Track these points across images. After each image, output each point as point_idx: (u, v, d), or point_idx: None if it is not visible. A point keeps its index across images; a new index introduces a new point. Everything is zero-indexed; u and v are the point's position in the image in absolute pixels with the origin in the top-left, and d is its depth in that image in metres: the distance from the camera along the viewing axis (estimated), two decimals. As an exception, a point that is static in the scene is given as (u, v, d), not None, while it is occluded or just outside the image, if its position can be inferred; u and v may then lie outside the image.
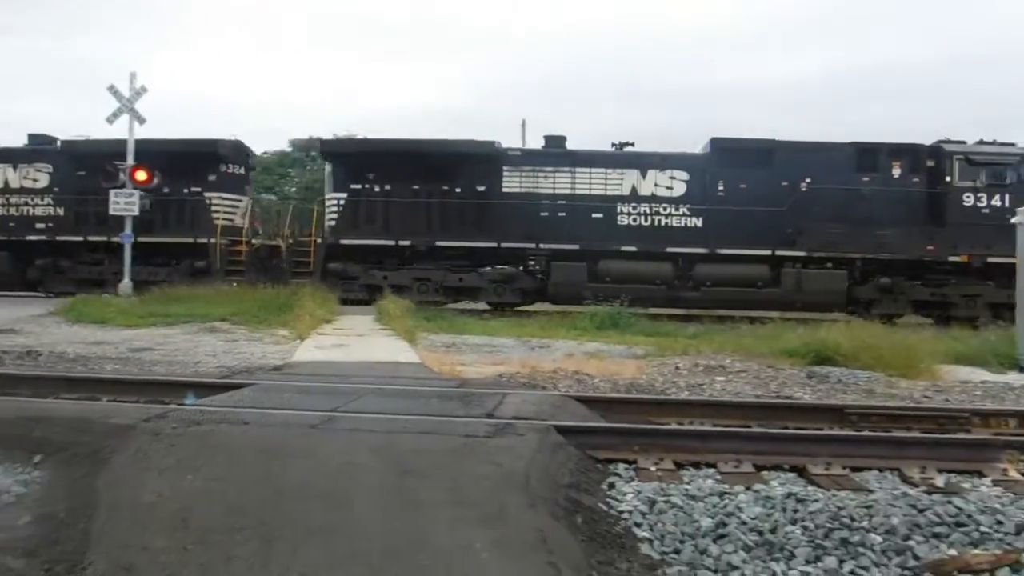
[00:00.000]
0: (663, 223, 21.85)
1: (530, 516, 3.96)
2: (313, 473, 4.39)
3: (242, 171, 25.02)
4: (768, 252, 21.27)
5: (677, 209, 21.82)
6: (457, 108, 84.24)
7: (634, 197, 21.97)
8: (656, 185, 21.95)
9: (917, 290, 21.43)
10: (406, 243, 22.09)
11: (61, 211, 23.80)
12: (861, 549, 4.01)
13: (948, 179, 21.23)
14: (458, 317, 18.83)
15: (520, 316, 20.38)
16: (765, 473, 5.17)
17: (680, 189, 21.80)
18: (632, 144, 22.95)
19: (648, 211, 21.94)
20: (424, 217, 22.29)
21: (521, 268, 22.25)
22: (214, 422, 5.28)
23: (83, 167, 23.43)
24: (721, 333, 15.52)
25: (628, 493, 4.63)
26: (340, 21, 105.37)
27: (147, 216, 22.61)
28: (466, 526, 3.83)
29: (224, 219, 23.67)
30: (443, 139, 22.98)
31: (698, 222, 21.72)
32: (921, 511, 4.34)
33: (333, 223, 22.76)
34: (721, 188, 21.59)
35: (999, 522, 4.28)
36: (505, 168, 22.26)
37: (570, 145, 22.74)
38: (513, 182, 22.28)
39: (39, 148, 24.38)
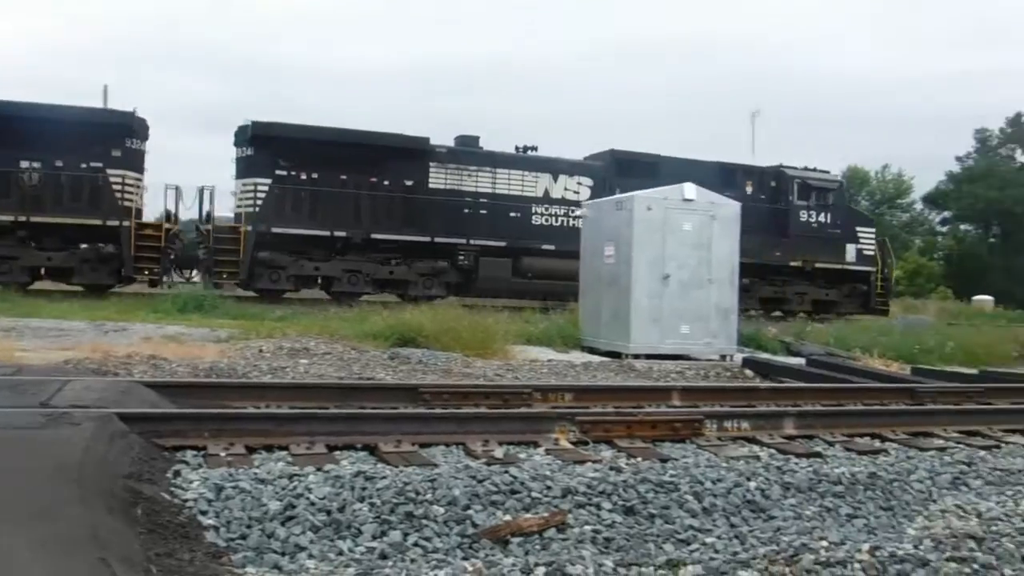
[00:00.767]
0: (573, 224, 22.79)
1: (81, 511, 3.66)
2: None
3: (144, 148, 21.75)
4: None
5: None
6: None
7: (547, 199, 23.76)
8: (566, 189, 23.95)
9: (764, 289, 25.65)
10: (341, 234, 21.51)
11: None
12: (425, 521, 4.16)
13: (790, 198, 26.07)
14: (25, 298, 17.09)
15: (95, 299, 18.89)
16: (337, 453, 5.22)
17: (586, 194, 23.55)
18: (535, 149, 24.55)
19: (560, 212, 23.76)
20: (353, 208, 21.47)
21: (450, 263, 22.32)
22: None
23: None
24: (308, 316, 15.53)
25: (195, 481, 4.45)
26: None
27: (34, 192, 19.63)
28: (9, 526, 3.45)
29: (128, 201, 20.66)
30: (372, 131, 22.57)
31: None
32: (480, 481, 4.58)
33: (255, 210, 21.23)
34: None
35: (549, 487, 4.62)
36: (432, 164, 22.33)
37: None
38: (439, 179, 22.44)
39: None
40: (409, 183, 22.41)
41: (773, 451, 6.16)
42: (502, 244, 22.76)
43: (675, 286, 12.99)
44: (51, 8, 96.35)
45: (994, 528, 4.20)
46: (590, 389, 8.37)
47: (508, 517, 4.31)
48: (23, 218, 19.74)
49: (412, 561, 3.83)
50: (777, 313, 25.63)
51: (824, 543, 3.93)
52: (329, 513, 4.15)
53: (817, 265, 26.17)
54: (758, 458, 5.77)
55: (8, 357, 8.87)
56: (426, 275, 22.51)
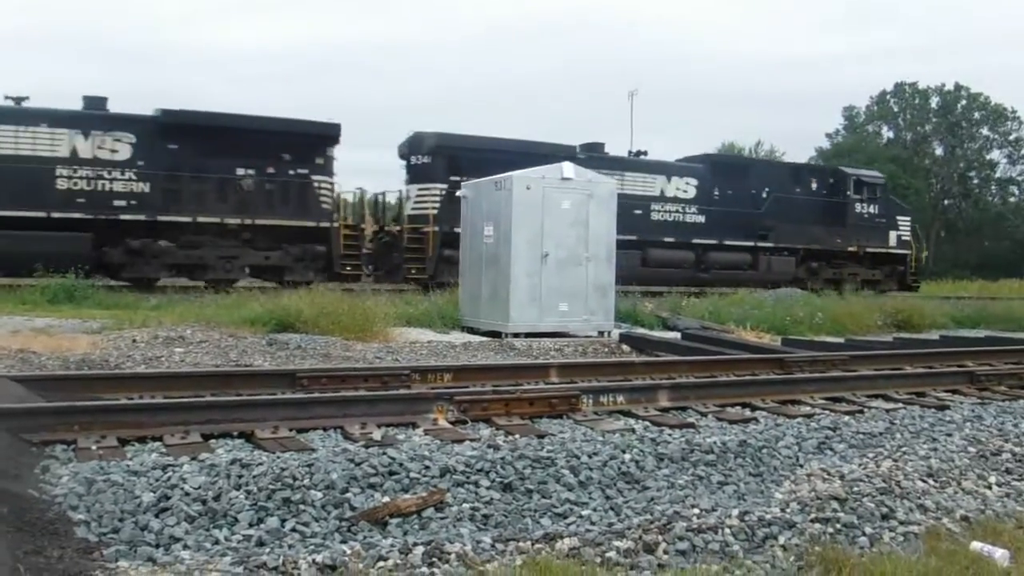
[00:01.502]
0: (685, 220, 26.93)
1: (-59, 512, 3.58)
2: None
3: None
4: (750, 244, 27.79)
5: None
6: None
7: (662, 198, 26.74)
8: (677, 189, 26.87)
9: (826, 271, 29.40)
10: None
11: None
12: (302, 506, 4.16)
13: (848, 193, 29.72)
14: None
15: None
16: (213, 442, 5.18)
17: (692, 193, 27.00)
18: (646, 153, 27.79)
19: (673, 209, 26.92)
20: None
21: None
22: None
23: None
24: (184, 303, 15.17)
25: (64, 476, 4.36)
26: None
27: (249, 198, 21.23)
28: None
29: (326, 203, 22.31)
30: (529, 140, 24.21)
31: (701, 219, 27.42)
32: (358, 464, 4.58)
33: (435, 212, 22.98)
34: (717, 193, 27.30)
35: (427, 467, 4.66)
36: None
37: None
38: None
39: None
40: None
41: (647, 423, 6.38)
42: (632, 238, 23.57)
43: (553, 264, 13.16)
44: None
45: (856, 489, 4.45)
46: (469, 368, 8.43)
47: (386, 499, 4.34)
48: (248, 220, 21.16)
49: (290, 547, 3.84)
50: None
51: (696, 511, 4.11)
52: (204, 503, 4.11)
53: (868, 250, 30.28)
54: (633, 431, 5.96)
55: None
56: None
